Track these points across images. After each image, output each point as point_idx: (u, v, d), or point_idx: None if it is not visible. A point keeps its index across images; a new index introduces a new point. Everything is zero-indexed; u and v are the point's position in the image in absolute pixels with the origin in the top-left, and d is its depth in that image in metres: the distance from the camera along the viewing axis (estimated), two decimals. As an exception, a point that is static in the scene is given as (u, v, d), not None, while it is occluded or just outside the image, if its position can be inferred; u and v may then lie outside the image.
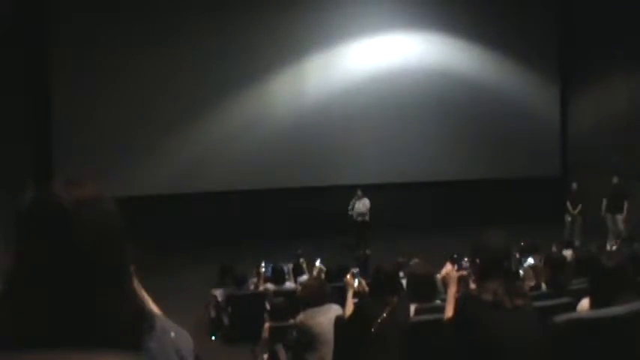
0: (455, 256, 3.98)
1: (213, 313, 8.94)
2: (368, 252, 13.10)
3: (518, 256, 8.83)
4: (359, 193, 14.16)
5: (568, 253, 8.80)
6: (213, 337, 8.78)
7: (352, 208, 14.14)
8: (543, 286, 5.97)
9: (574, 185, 14.47)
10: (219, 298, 8.72)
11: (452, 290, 3.66)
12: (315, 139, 15.99)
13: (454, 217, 15.37)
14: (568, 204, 14.31)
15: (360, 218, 13.96)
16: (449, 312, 3.49)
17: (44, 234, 1.23)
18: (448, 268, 3.80)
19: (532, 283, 6.54)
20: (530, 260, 8.44)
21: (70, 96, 14.28)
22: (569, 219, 14.17)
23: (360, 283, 5.36)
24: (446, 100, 16.74)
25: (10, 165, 12.22)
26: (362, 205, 14.03)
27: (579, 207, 14.09)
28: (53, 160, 14.29)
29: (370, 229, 13.79)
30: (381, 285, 4.66)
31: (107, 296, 1.24)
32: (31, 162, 13.82)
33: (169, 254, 12.90)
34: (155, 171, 15.04)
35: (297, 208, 15.50)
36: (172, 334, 1.37)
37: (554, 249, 9.77)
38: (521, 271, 7.70)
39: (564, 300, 4.53)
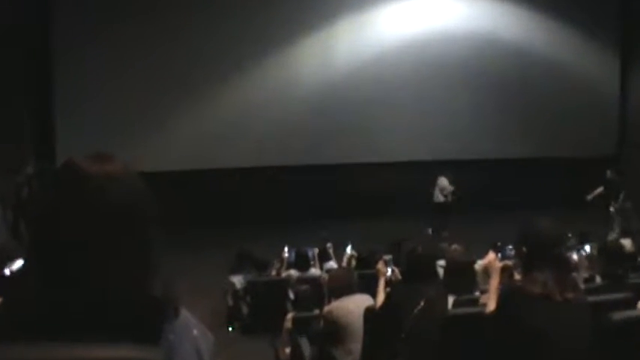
0: (498, 243, 3.95)
1: (230, 302, 9.01)
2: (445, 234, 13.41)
3: (569, 244, 8.74)
4: (449, 173, 14.60)
5: (627, 242, 8.67)
6: (230, 328, 8.86)
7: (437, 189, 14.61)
8: (598, 278, 5.90)
9: (608, 173, 14.11)
10: (238, 286, 8.78)
11: (494, 281, 3.64)
12: (345, 112, 15.94)
13: (497, 199, 15.25)
14: (596, 192, 13.91)
15: (440, 199, 14.56)
16: (491, 305, 3.47)
17: (71, 209, 1.25)
18: (490, 256, 3.78)
19: (586, 275, 6.48)
20: (585, 249, 8.34)
21: (75, 68, 14.43)
22: (612, 209, 13.87)
23: (393, 271, 5.37)
24: (491, 70, 16.55)
25: (10, 146, 12.49)
26: (447, 183, 14.55)
27: (621, 196, 13.78)
28: (57, 139, 14.50)
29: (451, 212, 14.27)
30: (416, 273, 4.67)
31: (133, 278, 1.26)
32: (33, 141, 14.07)
33: (184, 236, 13.00)
34: (170, 146, 15.17)
35: (324, 187, 15.53)
36: (195, 331, 1.38)
37: (611, 237, 9.64)
38: (573, 261, 7.62)
39: (622, 295, 4.46)
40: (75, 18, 14.45)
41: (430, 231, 14.03)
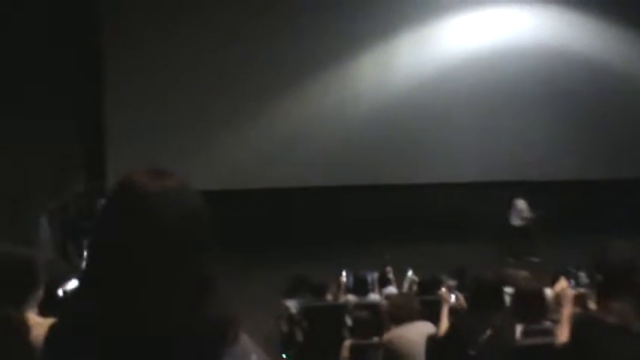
0: (571, 269, 3.89)
1: (285, 328, 9.01)
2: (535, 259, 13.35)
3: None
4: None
5: None
6: (284, 356, 8.86)
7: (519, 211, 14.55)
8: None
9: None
10: (293, 310, 8.78)
11: (567, 310, 3.58)
12: (405, 130, 15.89)
13: (568, 223, 14.92)
14: None
15: (517, 222, 14.52)
16: (563, 335, 3.41)
17: (131, 231, 1.27)
18: (563, 283, 3.73)
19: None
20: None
21: (123, 87, 14.80)
22: None
23: (457, 297, 5.32)
24: (562, 86, 16.26)
25: (60, 164, 12.81)
26: (521, 206, 14.53)
27: None
28: (107, 155, 14.85)
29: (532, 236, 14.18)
30: (483, 300, 4.62)
31: (192, 301, 1.27)
32: (82, 157, 14.42)
33: (233, 256, 13.10)
34: (221, 164, 15.33)
35: (383, 209, 15.47)
36: (254, 356, 1.38)
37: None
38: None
39: None
40: (125, 28, 14.84)
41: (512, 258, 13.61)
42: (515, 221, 14.45)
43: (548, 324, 4.76)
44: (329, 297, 9.10)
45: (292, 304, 8.80)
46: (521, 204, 14.47)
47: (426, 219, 15.05)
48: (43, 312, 2.77)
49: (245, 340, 1.38)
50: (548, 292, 4.90)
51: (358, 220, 15.33)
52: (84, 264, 1.35)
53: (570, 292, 3.65)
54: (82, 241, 11.49)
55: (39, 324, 2.51)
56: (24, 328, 2.49)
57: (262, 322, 9.34)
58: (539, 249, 13.70)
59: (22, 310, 2.63)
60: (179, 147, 14.75)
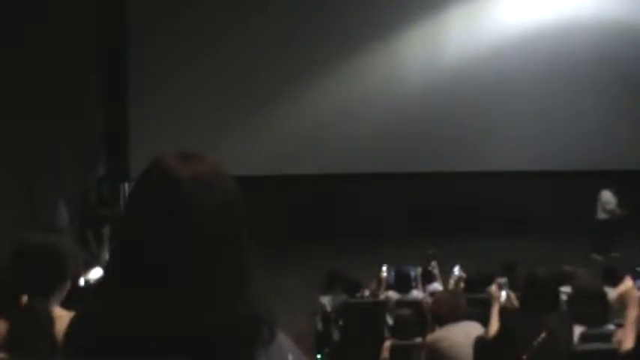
0: (637, 269, 3.83)
1: (320, 326, 9.05)
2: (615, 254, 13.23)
3: None
4: (613, 185, 14.45)
5: None
6: (319, 356, 8.89)
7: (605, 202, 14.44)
8: None
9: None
10: (328, 308, 8.81)
11: (632, 313, 3.53)
12: (453, 113, 15.75)
13: (634, 217, 14.72)
14: None
15: (603, 216, 14.39)
16: (627, 342, 3.36)
17: (159, 215, 1.26)
18: (628, 284, 3.67)
19: None
20: None
21: (150, 63, 14.86)
22: None
23: (508, 295, 5.28)
24: (628, 67, 15.97)
25: (79, 147, 12.94)
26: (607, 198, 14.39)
27: None
28: (129, 137, 14.98)
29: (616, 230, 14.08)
30: (536, 299, 4.57)
31: (227, 297, 1.26)
32: (104, 144, 14.56)
33: (266, 248, 13.20)
34: (253, 149, 15.35)
35: (429, 199, 15.40)
36: (290, 356, 1.38)
37: None
38: None
39: None
40: (152, 6, 14.97)
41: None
42: (600, 215, 14.28)
43: (610, 327, 4.70)
44: (366, 293, 9.10)
45: (327, 301, 8.83)
46: (607, 195, 14.31)
47: (476, 210, 14.96)
48: (64, 303, 2.81)
49: (282, 338, 1.37)
50: (612, 292, 4.83)
51: (402, 211, 15.31)
52: (107, 254, 1.35)
53: (636, 294, 3.58)
54: (102, 230, 11.64)
55: (62, 317, 2.55)
56: (48, 321, 2.53)
57: (297, 318, 9.41)
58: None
59: (49, 303, 2.67)
60: (208, 130, 14.78)
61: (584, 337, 4.43)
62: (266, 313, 1.33)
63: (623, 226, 13.95)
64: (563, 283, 6.54)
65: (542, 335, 4.28)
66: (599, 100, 16.11)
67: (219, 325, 1.24)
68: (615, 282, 5.53)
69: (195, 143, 13.08)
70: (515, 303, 5.20)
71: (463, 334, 5.16)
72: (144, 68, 14.91)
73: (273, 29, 15.36)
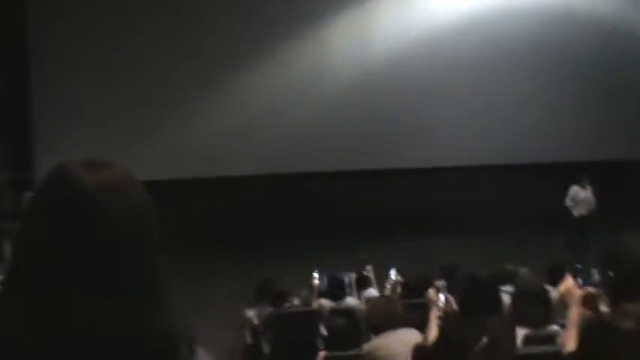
0: (578, 266, 3.89)
1: (249, 339, 9.00)
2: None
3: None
4: (584, 179, 14.46)
5: None
6: (249, 371, 8.86)
7: (573, 199, 14.48)
8: None
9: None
10: (255, 321, 8.76)
11: (574, 313, 3.58)
12: (385, 106, 15.90)
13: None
14: None
15: (584, 212, 14.40)
16: (570, 342, 3.41)
17: (63, 227, 1.23)
18: (569, 283, 3.72)
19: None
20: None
21: (52, 70, 14.65)
22: None
23: (447, 299, 5.32)
24: (570, 53, 16.34)
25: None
26: (589, 193, 14.43)
27: None
28: (35, 141, 14.67)
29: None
30: (477, 302, 4.62)
31: (137, 310, 1.24)
32: (6, 152, 14.27)
33: (188, 256, 13.07)
34: (172, 152, 15.22)
35: (361, 199, 15.49)
36: None
37: None
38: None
39: None
40: (52, 15, 14.72)
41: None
42: (581, 210, 14.37)
43: (554, 328, 4.79)
44: (295, 302, 9.09)
45: (252, 314, 8.77)
46: (575, 190, 14.42)
47: (412, 210, 15.10)
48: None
49: (201, 355, 1.35)
50: (554, 292, 4.92)
51: (333, 213, 15.35)
52: (6, 269, 1.31)
53: (577, 292, 3.65)
54: (3, 244, 11.37)
55: None
56: None
57: (226, 331, 9.37)
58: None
59: None
60: (123, 135, 14.64)
61: (527, 340, 4.49)
62: (183, 328, 1.31)
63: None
64: (505, 283, 6.66)
65: (484, 340, 4.32)
66: (540, 90, 16.44)
67: (128, 339, 1.22)
68: (557, 281, 5.64)
69: (108, 150, 12.90)
70: (455, 307, 5.24)
71: (400, 342, 5.18)
72: (47, 74, 14.67)
73: (192, 21, 15.25)
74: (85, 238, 1.22)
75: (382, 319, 5.44)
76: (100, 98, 14.75)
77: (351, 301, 8.70)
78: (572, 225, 14.28)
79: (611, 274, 3.13)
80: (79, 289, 1.21)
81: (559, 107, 16.53)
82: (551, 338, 4.50)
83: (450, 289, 5.83)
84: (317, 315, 8.40)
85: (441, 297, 5.30)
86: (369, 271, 9.53)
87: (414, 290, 8.06)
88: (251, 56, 15.67)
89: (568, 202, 14.42)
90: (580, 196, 14.38)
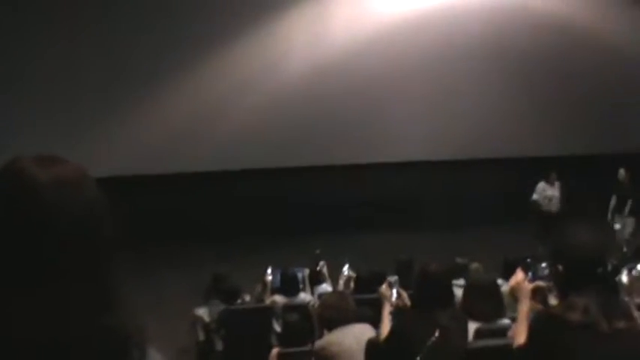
0: (528, 260, 3.92)
1: (201, 336, 8.95)
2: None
3: (617, 261, 8.71)
4: (552, 175, 14.62)
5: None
6: (202, 369, 8.82)
7: (540, 195, 14.61)
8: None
9: (621, 172, 14.32)
10: (207, 319, 8.70)
11: (524, 307, 3.61)
12: (341, 101, 15.89)
13: (527, 207, 15.22)
14: (613, 201, 14.20)
15: (555, 208, 14.53)
16: (520, 336, 3.44)
17: (14, 225, 1.21)
18: (519, 276, 3.74)
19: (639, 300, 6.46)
20: (638, 268, 8.31)
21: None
22: (617, 226, 13.97)
23: (399, 294, 5.34)
24: (523, 50, 16.47)
25: None
26: (557, 189, 14.60)
27: (629, 204, 13.93)
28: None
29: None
30: (428, 296, 4.63)
31: (86, 311, 1.22)
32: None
33: (139, 253, 12.98)
34: (122, 147, 15.05)
35: (314, 194, 15.49)
36: None
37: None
38: (623, 282, 7.59)
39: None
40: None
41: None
42: (549, 207, 14.48)
43: (505, 322, 4.83)
44: (247, 298, 9.07)
45: (203, 312, 8.71)
46: (542, 186, 14.58)
47: (366, 205, 15.15)
48: None
49: (152, 355, 1.34)
50: (504, 286, 4.95)
51: (286, 208, 15.32)
52: None
53: (528, 286, 3.67)
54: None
55: None
56: None
57: (177, 329, 9.31)
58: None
59: None
60: (67, 131, 14.36)
61: (479, 333, 4.52)
62: (135, 331, 1.29)
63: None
64: (457, 277, 6.71)
65: (436, 334, 4.34)
66: (496, 85, 16.58)
67: (78, 340, 1.20)
68: (509, 275, 5.69)
69: (58, 146, 12.66)
70: (408, 301, 5.25)
71: (353, 337, 5.18)
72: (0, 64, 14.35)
73: (143, 14, 15.03)
74: (35, 235, 1.20)
75: (335, 314, 5.43)
76: (50, 93, 14.49)
77: (304, 296, 8.69)
78: (538, 220, 14.41)
79: (559, 267, 3.15)
80: (27, 288, 1.19)
81: (513, 103, 16.67)
82: (502, 332, 4.53)
83: (404, 284, 5.86)
84: (270, 311, 8.38)
85: (394, 292, 5.32)
86: (322, 267, 9.54)
87: (367, 285, 8.08)
88: (204, 50, 15.53)
89: (534, 197, 14.60)
90: (547, 192, 14.55)
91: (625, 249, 12.73)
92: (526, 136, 16.71)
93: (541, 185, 14.61)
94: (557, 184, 14.57)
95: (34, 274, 1.20)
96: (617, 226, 13.80)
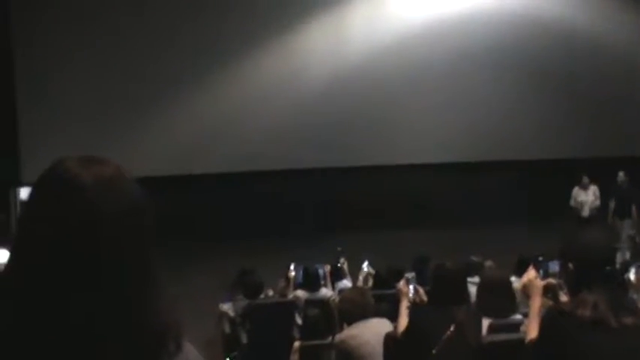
0: (540, 258, 3.90)
1: (227, 329, 8.97)
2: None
3: (624, 259, 8.66)
4: (584, 179, 14.13)
5: None
6: (227, 359, 8.83)
7: (574, 200, 14.21)
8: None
9: (620, 175, 13.95)
10: (231, 313, 8.71)
11: (536, 303, 3.59)
12: (360, 107, 15.87)
13: (539, 206, 15.16)
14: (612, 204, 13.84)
15: (586, 213, 14.03)
16: (532, 331, 3.42)
17: (62, 223, 1.21)
18: (531, 274, 3.72)
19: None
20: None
21: (36, 71, 14.48)
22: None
23: (416, 290, 5.33)
24: (532, 56, 16.40)
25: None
26: (590, 194, 14.11)
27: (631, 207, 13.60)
28: (19, 140, 14.52)
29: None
30: (444, 293, 4.63)
31: (132, 305, 1.24)
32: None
33: (170, 251, 13.04)
34: (151, 148, 15.12)
35: (336, 194, 15.50)
36: None
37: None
38: (631, 279, 7.54)
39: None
40: (36, 11, 14.60)
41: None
42: (585, 211, 14.01)
43: (517, 318, 4.81)
44: (270, 293, 9.07)
45: (228, 308, 8.72)
46: (588, 192, 14.10)
47: (383, 205, 15.12)
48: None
49: (188, 350, 1.35)
50: (516, 283, 4.93)
51: (308, 207, 15.34)
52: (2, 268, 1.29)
53: (540, 283, 3.66)
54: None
55: None
56: None
57: (205, 322, 9.31)
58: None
59: None
60: (103, 132, 14.44)
61: (492, 328, 4.51)
62: (173, 324, 1.30)
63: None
64: (472, 274, 6.68)
65: (451, 328, 4.33)
66: (508, 90, 16.50)
67: (123, 336, 1.21)
68: (522, 273, 5.67)
69: (91, 147, 12.73)
70: (424, 297, 5.25)
71: (372, 331, 5.18)
72: (32, 69, 14.48)
73: (166, 22, 15.09)
74: (84, 235, 1.21)
75: (354, 309, 5.43)
76: (84, 95, 14.60)
77: (325, 292, 8.68)
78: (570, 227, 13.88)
79: (570, 265, 3.14)
80: (78, 287, 1.20)
81: (526, 107, 16.59)
82: (514, 327, 4.51)
83: (421, 281, 5.86)
84: (293, 305, 8.38)
85: (411, 288, 5.31)
86: (342, 264, 9.53)
87: (386, 281, 8.07)
88: (227, 55, 15.59)
89: (571, 203, 14.18)
90: (580, 197, 14.11)
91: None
92: (549, 139, 16.59)
93: (575, 190, 14.21)
94: (592, 188, 14.09)
95: (86, 274, 1.21)
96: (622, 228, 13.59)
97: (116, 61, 14.84)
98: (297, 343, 6.65)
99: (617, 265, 3.32)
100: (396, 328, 5.11)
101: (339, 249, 9.87)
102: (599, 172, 15.36)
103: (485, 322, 4.48)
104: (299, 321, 7.99)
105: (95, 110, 14.68)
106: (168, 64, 15.10)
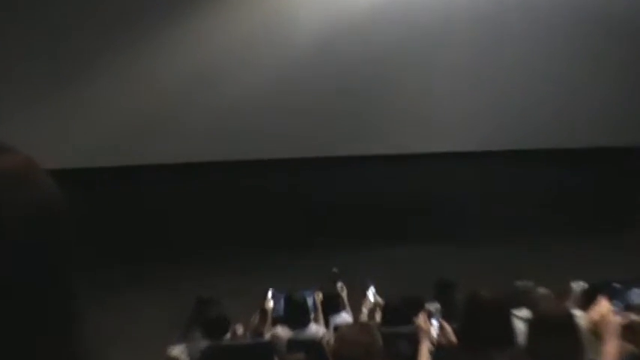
0: (616, 285, 3.88)
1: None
2: None
3: None
4: None
5: None
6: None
7: None
8: None
9: None
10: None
11: (611, 348, 3.57)
12: (352, 81, 15.92)
13: (606, 209, 15.24)
14: None
15: None
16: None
17: None
18: (604, 307, 3.71)
19: None
20: None
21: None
22: None
23: (441, 328, 5.34)
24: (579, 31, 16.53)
25: None
26: None
27: None
28: None
29: None
30: (480, 331, 4.63)
31: (37, 344, 1.22)
32: None
33: (99, 270, 13.11)
34: (86, 136, 15.17)
35: (330, 195, 15.56)
36: None
37: None
38: None
39: None
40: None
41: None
42: None
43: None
44: (239, 331, 9.08)
45: (179, 352, 8.63)
46: None
47: (393, 208, 15.16)
48: None
49: None
50: (582, 318, 4.91)
51: (292, 211, 15.39)
52: None
53: (615, 320, 3.64)
54: None
55: None
56: None
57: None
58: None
59: None
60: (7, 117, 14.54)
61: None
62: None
63: None
64: (518, 306, 6.67)
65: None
66: (519, 72, 16.62)
67: None
68: (588, 304, 5.63)
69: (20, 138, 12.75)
70: (453, 337, 5.25)
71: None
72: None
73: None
74: None
75: (356, 353, 5.42)
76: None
77: (316, 329, 8.68)
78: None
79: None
80: None
81: (537, 89, 16.80)
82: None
83: (447, 314, 5.85)
84: (270, 348, 8.38)
85: (434, 324, 5.31)
86: (340, 290, 9.55)
87: (399, 315, 8.08)
88: (183, 17, 15.65)
89: None
90: None
91: None
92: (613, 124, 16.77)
93: None
94: None
95: None
96: None
97: (33, 25, 14.96)
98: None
99: None
100: (414, 380, 5.11)
101: (334, 269, 9.91)
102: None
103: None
104: (279, 371, 8.02)
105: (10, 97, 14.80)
106: (101, 31, 15.18)
